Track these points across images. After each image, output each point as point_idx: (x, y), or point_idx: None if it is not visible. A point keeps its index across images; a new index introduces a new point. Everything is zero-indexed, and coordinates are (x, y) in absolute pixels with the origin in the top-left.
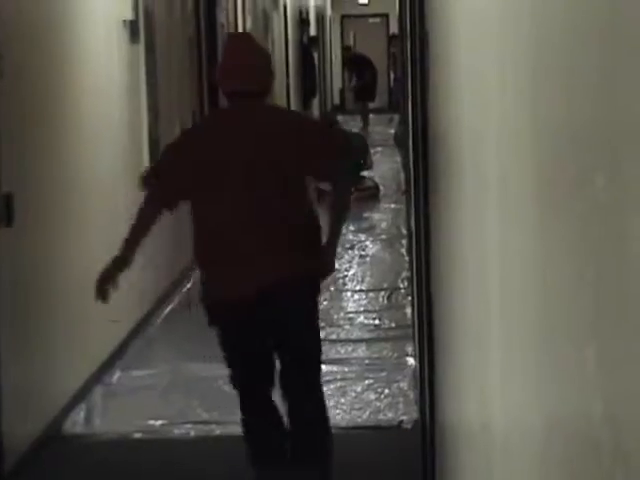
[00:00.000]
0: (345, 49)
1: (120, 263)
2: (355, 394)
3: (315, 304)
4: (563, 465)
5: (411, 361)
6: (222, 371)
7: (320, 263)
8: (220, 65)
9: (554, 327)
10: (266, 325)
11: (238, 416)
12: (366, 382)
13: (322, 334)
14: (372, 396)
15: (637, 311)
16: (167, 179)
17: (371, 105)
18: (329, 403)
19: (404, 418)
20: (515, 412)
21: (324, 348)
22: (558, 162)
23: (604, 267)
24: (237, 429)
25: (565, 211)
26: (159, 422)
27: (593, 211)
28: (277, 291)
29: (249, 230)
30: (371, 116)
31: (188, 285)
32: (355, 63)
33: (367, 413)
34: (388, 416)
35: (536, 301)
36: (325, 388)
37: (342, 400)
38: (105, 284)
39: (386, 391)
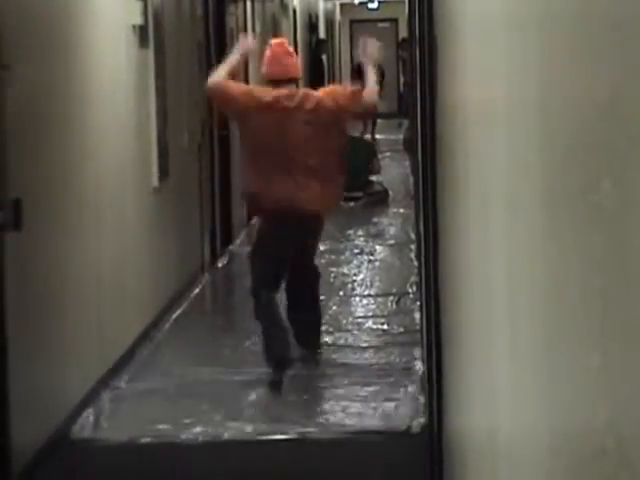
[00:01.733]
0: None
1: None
2: (363, 398)
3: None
4: (569, 472)
5: (419, 365)
6: (230, 376)
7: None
8: (268, 61)
9: (560, 334)
10: (295, 236)
11: (246, 420)
12: (373, 387)
13: (330, 339)
14: (380, 400)
15: (638, 319)
16: (237, 90)
17: (381, 109)
18: (336, 407)
19: (413, 423)
20: (521, 419)
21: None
22: (565, 168)
23: (610, 274)
24: (245, 433)
25: (571, 217)
26: (167, 426)
27: (599, 218)
28: (313, 215)
29: (301, 161)
30: (380, 121)
31: (196, 290)
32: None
33: (375, 418)
34: (396, 421)
35: (542, 308)
36: (333, 392)
37: (350, 404)
38: None
39: (394, 395)
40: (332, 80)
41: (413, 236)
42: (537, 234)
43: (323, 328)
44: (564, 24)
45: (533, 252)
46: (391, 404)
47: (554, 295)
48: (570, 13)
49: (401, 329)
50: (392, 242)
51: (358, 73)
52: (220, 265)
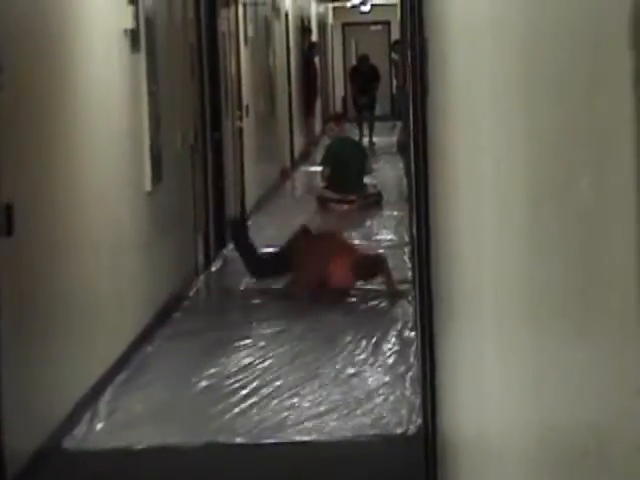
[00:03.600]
0: (362, 59)
1: None
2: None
3: None
4: (555, 472)
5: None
6: (226, 381)
7: None
8: None
9: (543, 335)
10: None
11: (241, 426)
12: (372, 387)
13: None
14: (377, 402)
15: (622, 320)
16: None
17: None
18: (335, 416)
19: (410, 425)
20: (508, 420)
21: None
22: (547, 168)
23: (590, 272)
24: (241, 438)
25: (554, 216)
26: (162, 433)
27: (578, 215)
28: None
29: None
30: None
31: (190, 293)
32: (361, 75)
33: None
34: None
35: (526, 308)
36: (326, 406)
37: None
38: None
39: (391, 398)
40: (325, 84)
41: (407, 238)
42: (522, 234)
43: None
44: (547, 25)
45: (518, 252)
46: (388, 405)
47: (538, 295)
48: (553, 14)
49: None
50: (386, 244)
51: (352, 76)
52: (214, 269)
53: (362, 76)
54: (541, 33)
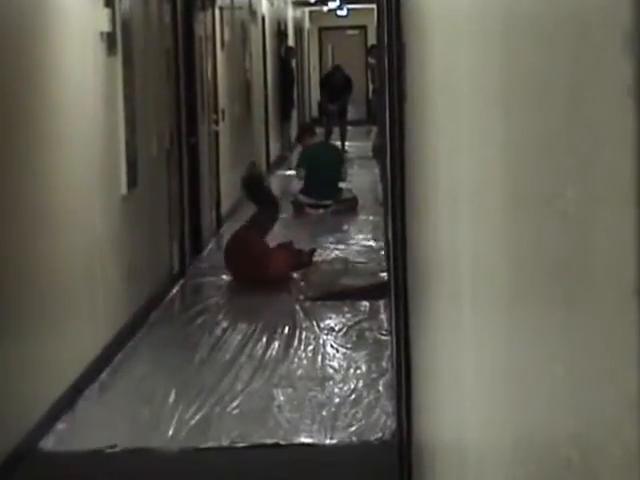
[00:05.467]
0: (334, 69)
1: None
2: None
3: None
4: None
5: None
6: (208, 376)
7: None
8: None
9: (524, 343)
10: None
11: (223, 425)
12: (349, 393)
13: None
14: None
15: (605, 328)
16: None
17: (350, 117)
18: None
19: (384, 431)
20: (487, 428)
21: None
22: (528, 174)
23: (572, 283)
24: (222, 439)
25: (535, 224)
26: (139, 433)
27: (562, 225)
28: None
29: None
30: (349, 128)
31: (170, 293)
32: (332, 85)
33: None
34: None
35: (505, 317)
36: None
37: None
38: None
39: (365, 401)
40: (301, 89)
41: (382, 243)
42: (501, 239)
43: None
44: (527, 28)
45: (497, 256)
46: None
47: (517, 304)
48: (533, 20)
49: (376, 334)
50: (360, 249)
51: (323, 85)
52: (189, 273)
53: (333, 86)
54: (522, 35)
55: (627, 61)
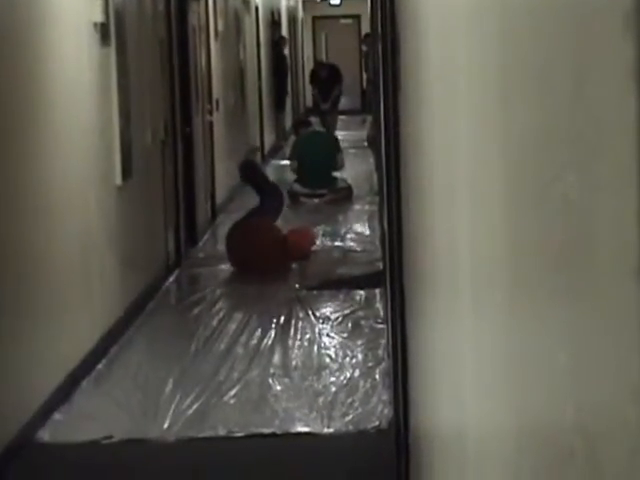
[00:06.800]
0: (318, 66)
1: None
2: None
3: None
4: (537, 473)
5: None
6: (205, 366)
7: None
8: None
9: (526, 333)
10: None
11: (219, 415)
12: (343, 385)
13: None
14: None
15: (608, 315)
16: None
17: (345, 106)
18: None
19: (381, 420)
20: (487, 418)
21: None
22: (528, 160)
23: (575, 269)
24: (219, 429)
25: (534, 210)
26: (136, 424)
27: (563, 210)
28: None
29: None
30: (344, 117)
31: (166, 284)
32: (320, 80)
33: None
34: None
35: (507, 304)
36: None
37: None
38: None
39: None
40: (295, 79)
41: (378, 232)
42: (499, 227)
43: None
44: (526, 12)
45: (495, 245)
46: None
47: (518, 291)
48: (532, 5)
49: (371, 322)
50: (355, 237)
51: (312, 78)
52: (185, 264)
53: (321, 82)
54: (521, 19)
55: (628, 44)
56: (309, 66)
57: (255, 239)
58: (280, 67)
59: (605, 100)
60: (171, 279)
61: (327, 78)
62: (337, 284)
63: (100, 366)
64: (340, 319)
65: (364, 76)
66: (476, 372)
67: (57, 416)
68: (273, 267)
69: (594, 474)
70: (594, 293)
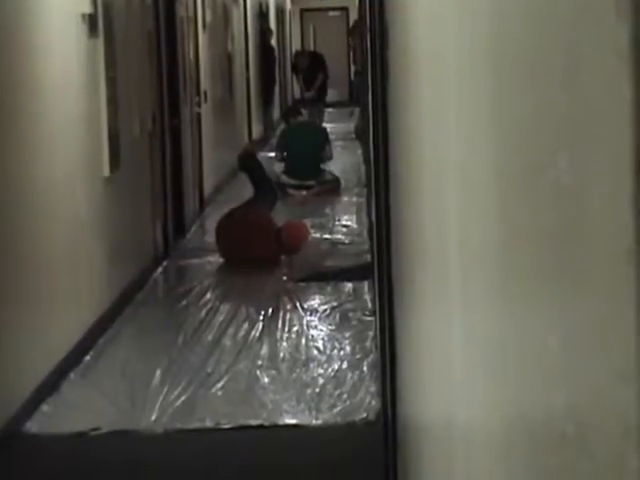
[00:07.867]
0: (297, 56)
1: None
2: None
3: None
4: (527, 459)
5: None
6: (192, 357)
7: None
8: None
9: (516, 318)
10: None
11: (207, 407)
12: (331, 376)
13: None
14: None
15: (599, 298)
16: None
17: (332, 98)
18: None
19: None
20: (477, 405)
21: None
22: (519, 145)
23: (567, 253)
24: (207, 420)
25: (525, 195)
26: (123, 416)
27: (554, 194)
28: None
29: None
30: (331, 109)
31: (154, 275)
32: (302, 67)
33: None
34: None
35: (497, 289)
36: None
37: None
38: None
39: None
40: (283, 70)
41: (365, 225)
42: (489, 215)
43: None
44: (517, 3)
45: (486, 232)
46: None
47: (509, 277)
48: None
49: (359, 314)
50: (342, 229)
51: (294, 68)
52: (173, 255)
53: (303, 71)
54: (512, 2)
55: (622, 26)
56: None
57: (249, 231)
58: (268, 59)
59: (598, 84)
60: (159, 270)
61: (309, 66)
62: (325, 276)
63: (88, 358)
64: (328, 311)
65: (352, 68)
66: (465, 359)
67: (45, 408)
68: (264, 259)
69: (585, 457)
70: (586, 277)
